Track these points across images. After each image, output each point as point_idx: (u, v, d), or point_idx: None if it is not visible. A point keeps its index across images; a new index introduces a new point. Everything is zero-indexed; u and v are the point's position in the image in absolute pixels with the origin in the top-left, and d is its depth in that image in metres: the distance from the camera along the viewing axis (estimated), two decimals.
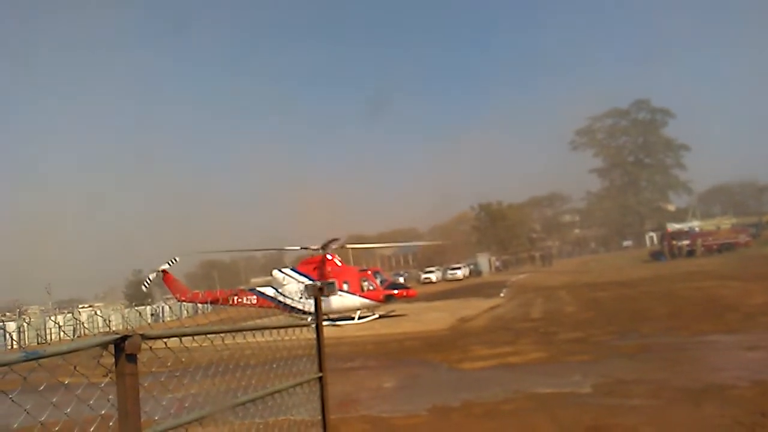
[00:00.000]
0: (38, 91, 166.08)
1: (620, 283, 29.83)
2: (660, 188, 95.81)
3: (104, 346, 2.54)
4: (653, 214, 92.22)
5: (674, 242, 51.04)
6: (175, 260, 30.98)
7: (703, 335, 12.89)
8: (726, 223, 69.38)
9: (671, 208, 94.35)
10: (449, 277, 63.44)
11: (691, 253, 48.39)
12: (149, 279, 32.08)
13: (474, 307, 26.61)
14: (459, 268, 64.91)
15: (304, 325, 4.72)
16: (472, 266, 68.75)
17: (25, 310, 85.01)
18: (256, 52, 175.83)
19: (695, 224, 64.91)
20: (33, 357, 2.22)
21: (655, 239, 77.20)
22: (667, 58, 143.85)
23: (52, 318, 49.29)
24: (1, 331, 40.46)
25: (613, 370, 10.40)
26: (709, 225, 64.78)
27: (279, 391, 4.12)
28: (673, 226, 62.23)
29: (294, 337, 4.60)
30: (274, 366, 4.44)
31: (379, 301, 26.52)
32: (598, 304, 21.85)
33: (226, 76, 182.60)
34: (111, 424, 2.62)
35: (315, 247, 28.50)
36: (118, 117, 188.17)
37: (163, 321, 50.83)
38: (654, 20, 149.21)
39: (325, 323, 4.85)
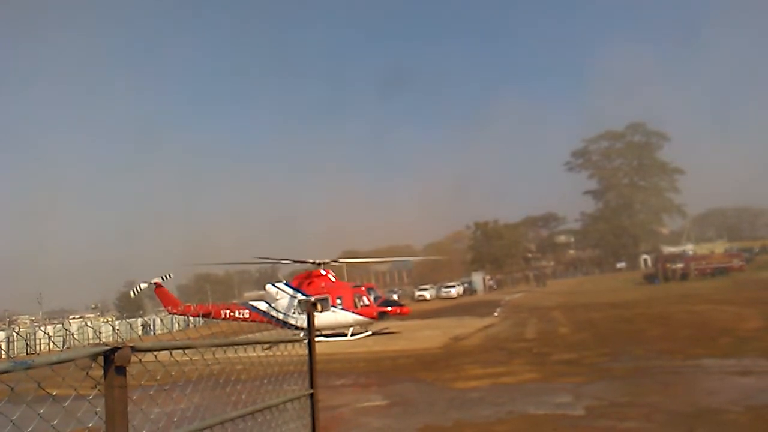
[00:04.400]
0: (33, 98, 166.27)
1: (614, 305, 29.78)
2: (654, 211, 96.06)
3: (93, 357, 2.51)
4: (647, 236, 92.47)
5: (668, 265, 51.10)
6: (170, 276, 30.78)
7: (697, 359, 12.86)
8: (720, 247, 69.69)
9: (665, 231, 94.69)
10: (443, 295, 63.20)
11: (684, 276, 48.45)
12: (140, 287, 31.66)
13: (468, 325, 26.48)
14: (453, 287, 64.72)
15: (296, 341, 4.68)
16: (466, 285, 68.60)
17: (15, 320, 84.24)
18: (256, 63, 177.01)
19: (689, 247, 65.17)
20: (21, 367, 2.19)
21: (648, 261, 77.35)
22: (663, 81, 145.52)
23: (42, 328, 48.83)
24: None
25: (606, 393, 10.35)
26: (703, 249, 65.01)
27: (269, 407, 4.07)
28: (667, 249, 62.43)
29: (286, 353, 4.56)
30: (265, 381, 4.40)
31: (373, 317, 26.35)
32: (591, 326, 21.79)
33: (220, 87, 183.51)
34: None
35: (312, 261, 28.43)
36: (115, 123, 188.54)
37: (154, 334, 50.37)
38: (650, 43, 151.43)
39: (317, 339, 4.82)
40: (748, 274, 46.62)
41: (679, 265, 50.43)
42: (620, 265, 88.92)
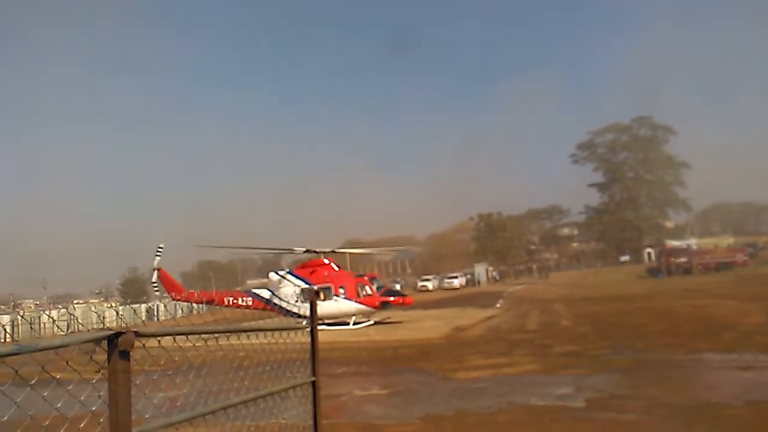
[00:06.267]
0: (37, 96, 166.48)
1: (617, 298, 29.78)
2: (659, 205, 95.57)
3: (97, 341, 2.52)
4: (652, 230, 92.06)
5: (672, 259, 50.97)
6: (161, 248, 30.37)
7: (699, 353, 12.86)
8: (724, 241, 69.34)
9: (670, 224, 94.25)
10: (446, 285, 63.29)
11: (688, 270, 48.36)
12: (154, 281, 31.13)
13: (470, 316, 26.53)
14: (456, 277, 64.78)
15: (299, 329, 4.69)
16: (469, 276, 68.64)
17: (20, 304, 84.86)
18: (256, 50, 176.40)
19: (693, 242, 64.86)
20: (25, 350, 2.20)
21: (652, 255, 77.12)
22: (670, 74, 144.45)
23: (47, 312, 49.17)
24: None
25: (607, 385, 10.37)
26: (708, 243, 64.74)
27: (271, 394, 4.09)
28: (671, 243, 62.17)
29: (288, 341, 4.58)
30: (268, 368, 4.42)
31: (375, 307, 26.41)
32: (594, 318, 21.81)
33: (221, 73, 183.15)
34: (101, 421, 2.60)
35: (319, 250, 28.47)
36: (115, 115, 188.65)
37: (157, 319, 50.68)
38: (657, 37, 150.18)
39: (319, 327, 4.83)
40: (752, 269, 46.50)
41: (683, 260, 50.32)
42: (624, 258, 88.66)
